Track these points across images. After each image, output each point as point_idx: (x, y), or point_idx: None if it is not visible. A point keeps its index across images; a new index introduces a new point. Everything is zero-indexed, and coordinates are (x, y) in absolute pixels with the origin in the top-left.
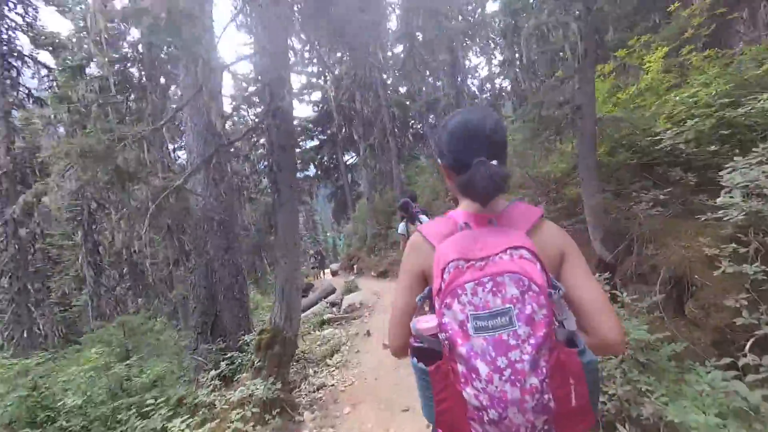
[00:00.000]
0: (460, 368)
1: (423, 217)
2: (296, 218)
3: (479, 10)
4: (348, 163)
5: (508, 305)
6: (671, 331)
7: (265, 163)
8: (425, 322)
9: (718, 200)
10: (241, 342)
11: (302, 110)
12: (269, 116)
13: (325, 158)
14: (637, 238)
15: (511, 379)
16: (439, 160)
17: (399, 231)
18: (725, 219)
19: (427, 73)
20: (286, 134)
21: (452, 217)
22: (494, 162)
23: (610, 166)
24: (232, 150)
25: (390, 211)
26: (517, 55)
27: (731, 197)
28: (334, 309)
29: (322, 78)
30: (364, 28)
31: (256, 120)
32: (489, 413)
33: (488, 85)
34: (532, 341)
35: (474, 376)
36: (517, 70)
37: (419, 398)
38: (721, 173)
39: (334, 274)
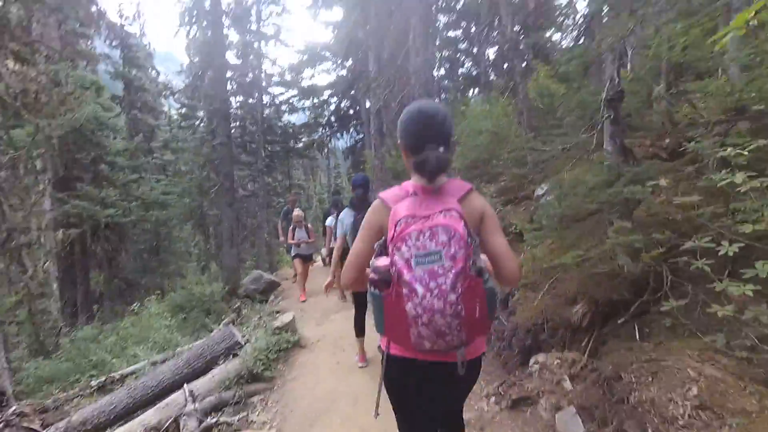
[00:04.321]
0: (404, 291)
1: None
2: None
3: None
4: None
5: (439, 247)
6: None
7: None
8: (381, 261)
9: None
10: None
11: (314, 32)
12: None
13: (344, 103)
14: None
15: (438, 295)
16: (399, 139)
17: (328, 223)
18: None
19: None
20: None
21: (405, 186)
22: (441, 149)
23: None
24: None
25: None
26: None
27: None
28: None
29: None
30: None
31: None
32: (422, 318)
33: None
34: (453, 271)
35: (413, 294)
36: None
37: (374, 320)
38: None
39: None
